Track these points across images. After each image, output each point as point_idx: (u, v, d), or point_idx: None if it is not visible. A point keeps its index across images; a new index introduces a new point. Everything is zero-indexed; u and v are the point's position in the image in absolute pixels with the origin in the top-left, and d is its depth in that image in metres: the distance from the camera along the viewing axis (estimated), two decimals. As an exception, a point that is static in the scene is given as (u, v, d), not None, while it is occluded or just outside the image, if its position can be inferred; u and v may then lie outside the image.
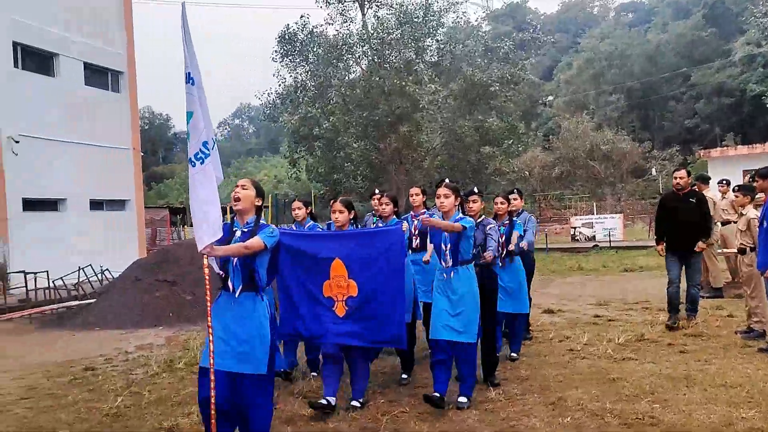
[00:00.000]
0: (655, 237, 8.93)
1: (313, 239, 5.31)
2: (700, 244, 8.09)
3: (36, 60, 16.71)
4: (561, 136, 44.54)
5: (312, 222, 6.55)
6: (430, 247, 5.73)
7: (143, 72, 20.35)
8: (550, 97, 59.53)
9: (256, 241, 4.09)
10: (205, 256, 4.06)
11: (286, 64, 26.39)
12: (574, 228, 27.86)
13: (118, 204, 19.08)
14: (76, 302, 11.87)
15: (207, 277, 4.16)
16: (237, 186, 4.23)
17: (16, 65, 15.89)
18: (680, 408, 4.93)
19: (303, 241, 5.18)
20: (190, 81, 4.13)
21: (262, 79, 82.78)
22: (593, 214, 31.08)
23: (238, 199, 4.20)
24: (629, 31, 61.98)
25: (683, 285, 8.37)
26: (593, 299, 11.22)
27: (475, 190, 5.97)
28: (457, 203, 5.44)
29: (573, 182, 44.89)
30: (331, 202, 6.12)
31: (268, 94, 27.60)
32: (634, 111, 51.81)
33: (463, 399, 5.26)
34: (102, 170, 17.99)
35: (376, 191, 6.57)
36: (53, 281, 13.05)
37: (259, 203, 4.31)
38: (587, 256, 20.42)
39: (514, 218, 7.14)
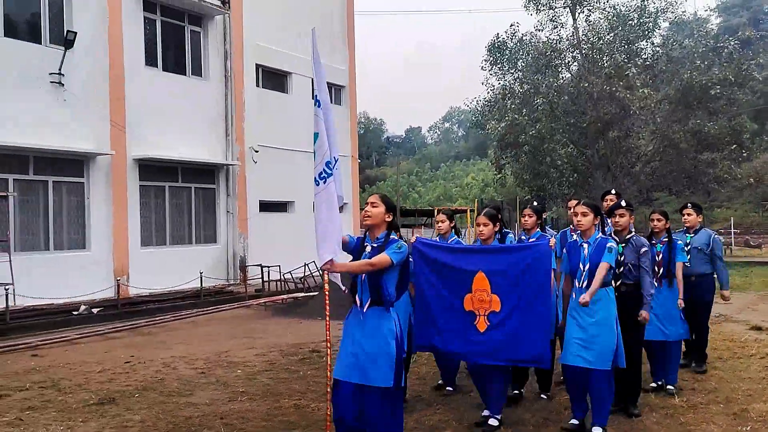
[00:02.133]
0: None
1: (456, 252, 5.27)
2: None
3: (273, 79, 19.02)
4: (799, 139, 40.28)
5: (456, 237, 6.22)
6: (553, 240, 5.29)
7: (360, 79, 22.08)
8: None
9: (382, 258, 4.08)
10: (326, 272, 4.18)
11: (495, 72, 27.03)
12: (808, 241, 25.35)
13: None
14: (303, 294, 13.52)
15: (326, 293, 4.43)
16: (367, 203, 4.31)
17: (257, 84, 18.27)
18: None
19: (445, 253, 5.19)
20: (317, 103, 4.32)
21: (471, 83, 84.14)
22: (833, 226, 27.90)
23: (368, 217, 4.26)
24: None
25: None
26: (813, 319, 10.55)
27: (623, 203, 5.65)
28: (596, 222, 5.14)
29: (813, 190, 40.37)
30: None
31: (477, 101, 28.45)
32: None
33: (597, 430, 4.92)
34: (324, 176, 19.95)
35: (535, 203, 6.34)
36: (284, 274, 14.94)
37: (390, 219, 4.30)
38: (819, 273, 18.63)
39: (675, 238, 6.49)
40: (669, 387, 6.18)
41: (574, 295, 5.10)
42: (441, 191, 71.71)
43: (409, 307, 5.47)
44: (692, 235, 7.01)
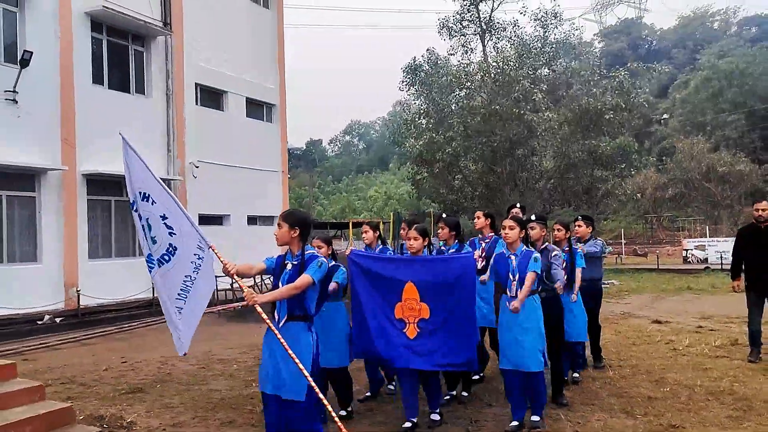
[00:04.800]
0: (730, 272, 8.54)
1: (388, 262, 5.59)
2: None
3: (210, 97, 19.78)
4: (675, 157, 44.54)
5: (382, 245, 6.53)
6: (477, 252, 6.04)
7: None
8: (666, 116, 58.94)
9: (304, 279, 4.25)
10: (255, 306, 4.24)
11: (412, 93, 28.79)
12: (686, 250, 28.50)
13: (269, 220, 21.85)
14: (254, 301, 14.43)
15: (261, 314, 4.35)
16: None
17: (197, 103, 18.99)
18: (754, 386, 6.62)
19: (377, 264, 5.53)
20: (134, 206, 4.70)
21: (374, 97, 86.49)
22: (706, 236, 31.43)
23: (276, 238, 4.49)
24: (752, 47, 60.42)
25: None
26: (698, 314, 12.63)
27: (533, 217, 6.09)
28: (521, 235, 5.55)
29: (687, 204, 44.76)
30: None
31: (395, 123, 30.10)
32: (756, 131, 50.39)
33: (535, 417, 5.43)
34: (257, 190, 20.85)
35: (444, 215, 6.86)
36: (231, 284, 15.78)
37: (296, 233, 4.41)
38: (698, 278, 21.37)
39: (575, 246, 7.09)
40: (575, 375, 6.98)
41: (508, 304, 5.37)
42: (345, 204, 72.46)
43: (346, 317, 5.81)
44: (583, 244, 7.57)
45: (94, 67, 15.86)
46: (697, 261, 27.44)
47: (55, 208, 14.58)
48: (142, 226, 4.66)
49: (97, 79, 15.96)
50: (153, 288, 15.06)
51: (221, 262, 4.32)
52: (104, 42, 16.26)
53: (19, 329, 11.77)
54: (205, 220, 19.09)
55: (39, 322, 12.30)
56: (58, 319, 12.63)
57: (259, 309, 4.23)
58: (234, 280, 4.45)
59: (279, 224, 4.45)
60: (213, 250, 4.43)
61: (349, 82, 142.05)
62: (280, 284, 4.37)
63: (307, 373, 4.16)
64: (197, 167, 18.38)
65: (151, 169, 4.65)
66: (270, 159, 21.80)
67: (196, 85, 18.94)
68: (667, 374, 7.29)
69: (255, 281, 16.16)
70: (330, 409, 4.35)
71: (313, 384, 4.19)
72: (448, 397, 6.31)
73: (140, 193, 4.63)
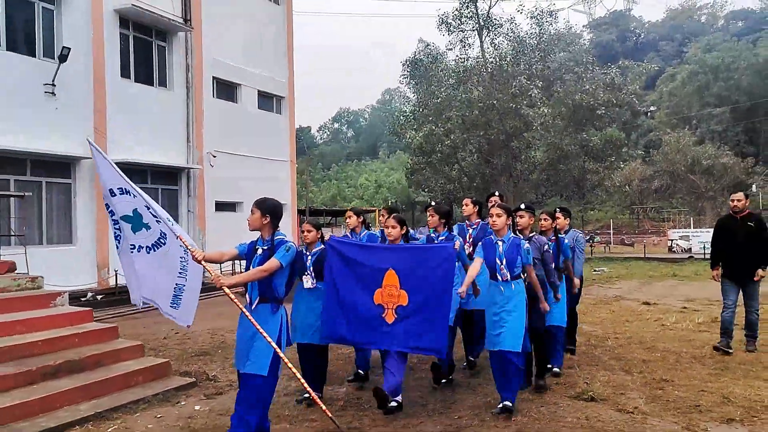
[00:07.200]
0: (710, 262, 8.69)
1: (369, 250, 5.71)
2: (760, 272, 7.86)
3: (225, 90, 20.80)
4: (661, 150, 45.96)
5: (367, 231, 6.55)
6: (458, 243, 5.91)
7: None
8: (653, 108, 60.28)
9: (272, 263, 4.44)
10: (222, 287, 4.42)
11: (412, 86, 29.90)
12: (671, 240, 29.90)
13: (278, 207, 22.97)
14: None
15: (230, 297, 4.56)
16: None
17: (213, 95, 20.01)
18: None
19: (358, 251, 5.64)
20: (108, 207, 5.01)
21: (361, 85, 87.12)
22: (690, 227, 32.86)
23: (249, 224, 4.70)
24: (738, 41, 61.82)
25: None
26: (683, 297, 13.92)
27: (522, 206, 6.14)
28: (508, 222, 5.68)
29: (672, 195, 46.25)
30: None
31: (388, 113, 31.19)
32: (740, 125, 51.91)
33: (508, 403, 5.47)
34: (267, 179, 21.87)
35: (433, 203, 6.76)
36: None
37: (267, 221, 4.62)
38: (682, 266, 22.73)
39: (560, 236, 7.07)
40: (555, 369, 6.81)
41: (502, 289, 5.60)
42: (335, 191, 72.88)
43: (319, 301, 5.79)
44: (563, 235, 7.46)
45: (122, 61, 16.84)
46: (682, 250, 28.82)
47: (88, 194, 15.61)
48: (123, 217, 4.96)
49: (125, 72, 16.94)
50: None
51: (189, 249, 4.56)
52: (131, 38, 17.22)
53: (65, 305, 12.81)
54: (221, 207, 20.18)
55: (82, 299, 13.37)
56: (98, 297, 13.69)
57: (227, 291, 4.43)
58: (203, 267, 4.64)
59: (252, 210, 4.66)
60: (181, 239, 4.64)
61: (338, 68, 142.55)
62: (251, 269, 4.57)
63: (278, 349, 4.44)
64: (214, 156, 19.43)
65: (117, 168, 4.91)
66: (279, 149, 22.86)
67: (213, 78, 19.94)
68: (657, 344, 8.54)
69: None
70: (304, 383, 4.75)
71: (284, 358, 4.49)
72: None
73: (118, 188, 4.87)
